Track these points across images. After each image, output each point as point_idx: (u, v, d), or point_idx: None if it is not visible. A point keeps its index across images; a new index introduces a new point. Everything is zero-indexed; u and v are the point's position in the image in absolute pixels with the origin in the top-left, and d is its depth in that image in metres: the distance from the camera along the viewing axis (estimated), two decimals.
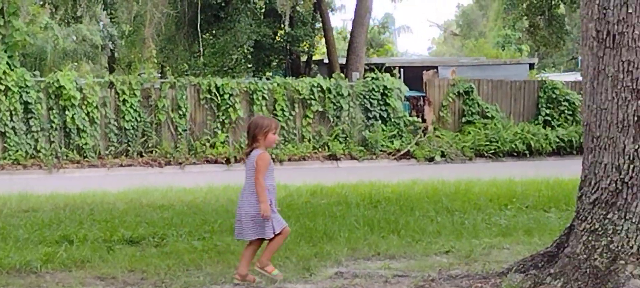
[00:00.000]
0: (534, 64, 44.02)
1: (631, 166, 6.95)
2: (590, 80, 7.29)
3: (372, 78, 31.14)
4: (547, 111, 33.37)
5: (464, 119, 32.58)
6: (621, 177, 6.99)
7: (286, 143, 29.21)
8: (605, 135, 7.12)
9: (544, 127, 32.68)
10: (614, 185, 7.03)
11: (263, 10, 40.88)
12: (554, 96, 33.41)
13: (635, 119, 6.94)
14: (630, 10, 6.97)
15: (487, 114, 32.63)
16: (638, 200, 6.90)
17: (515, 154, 30.92)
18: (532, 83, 34.72)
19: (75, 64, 42.81)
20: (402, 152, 30.00)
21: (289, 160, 28.48)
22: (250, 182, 8.47)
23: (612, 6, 7.07)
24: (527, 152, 31.07)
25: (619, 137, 7.01)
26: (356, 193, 15.96)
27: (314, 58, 42.86)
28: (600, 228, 7.01)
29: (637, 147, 6.92)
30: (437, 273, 8.28)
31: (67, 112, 26.22)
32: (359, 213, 12.92)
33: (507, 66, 40.12)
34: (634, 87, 6.95)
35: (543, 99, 33.66)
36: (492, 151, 30.66)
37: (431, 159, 29.66)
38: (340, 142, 29.87)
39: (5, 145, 25.64)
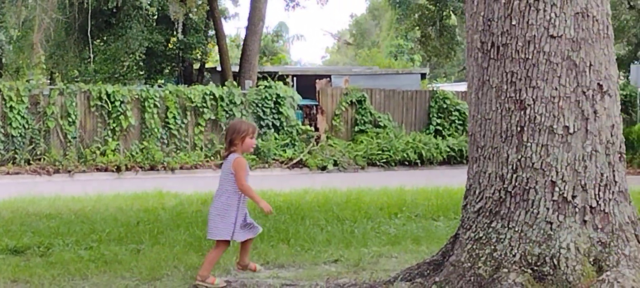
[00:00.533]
0: (425, 73, 44.61)
1: (514, 175, 7.08)
2: (475, 90, 7.42)
3: (265, 86, 31.13)
4: (438, 121, 33.84)
5: (356, 128, 32.80)
6: (505, 186, 7.12)
7: (178, 151, 29.03)
8: (489, 145, 7.25)
9: (435, 137, 33.10)
10: (497, 194, 7.16)
11: (155, 17, 40.58)
12: (444, 106, 33.90)
13: (518, 129, 7.08)
14: (513, 22, 7.12)
15: (380, 123, 32.90)
16: (521, 209, 7.03)
17: (407, 163, 31.21)
18: (424, 93, 35.17)
19: None
20: (294, 161, 30.03)
21: (181, 168, 28.28)
22: (223, 185, 8.81)
23: (497, 18, 7.21)
24: (418, 161, 31.38)
25: (503, 147, 7.15)
26: (247, 203, 15.91)
27: (206, 66, 42.74)
28: (484, 237, 7.13)
29: (520, 156, 7.06)
30: (324, 282, 8.31)
31: None
32: None
33: (399, 76, 40.56)
34: (517, 97, 7.09)
35: (434, 109, 34.12)
36: (384, 160, 30.89)
37: (324, 168, 29.74)
38: None
39: None
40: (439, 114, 33.97)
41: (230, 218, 8.65)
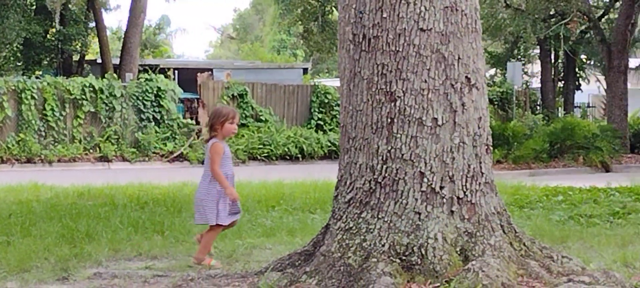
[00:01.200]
0: (307, 68, 44.85)
1: (384, 166, 7.18)
2: (347, 82, 7.50)
3: (146, 79, 30.93)
4: (320, 115, 34.08)
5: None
6: (375, 177, 7.21)
7: (56, 144, 28.65)
8: (360, 136, 7.33)
9: (317, 131, 33.32)
10: (368, 185, 7.25)
11: (33, 7, 39.89)
12: (326, 101, 34.15)
13: (388, 120, 7.18)
14: (384, 15, 7.22)
15: (261, 117, 33.00)
16: (390, 199, 7.13)
17: (288, 158, 31.36)
18: (306, 87, 35.37)
19: None
20: (175, 154, 29.92)
21: (59, 161, 27.97)
22: (206, 170, 9.08)
23: (368, 11, 7.30)
24: (299, 155, 31.55)
25: (373, 138, 7.24)
26: (124, 195, 15.83)
27: (86, 58, 42.22)
28: (354, 227, 7.21)
29: (390, 148, 7.16)
30: (196, 273, 8.30)
31: None
32: (124, 215, 12.82)
33: (281, 70, 40.73)
34: (388, 89, 7.19)
35: (316, 104, 34.34)
36: (265, 154, 30.99)
37: (203, 161, 29.60)
38: (112, 144, 29.52)
39: None
40: (321, 109, 34.22)
41: (213, 202, 8.86)
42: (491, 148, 7.56)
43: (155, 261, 9.33)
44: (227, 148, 9.12)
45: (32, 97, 28.53)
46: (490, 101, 37.61)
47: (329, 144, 32.01)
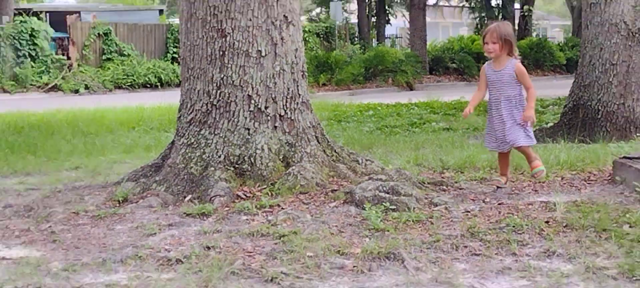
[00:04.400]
0: (163, 10, 44.07)
1: (218, 91, 7.22)
2: (185, 22, 7.47)
3: (21, 21, 29.95)
4: (174, 50, 33.73)
5: (104, 57, 32.20)
6: (211, 100, 7.25)
7: None
8: (197, 67, 7.34)
9: (172, 63, 32.98)
10: (205, 107, 7.29)
11: None
12: (178, 37, 33.74)
13: (221, 53, 7.21)
14: None
15: (124, 52, 32.45)
16: (224, 118, 7.19)
17: (149, 86, 30.98)
18: (162, 26, 34.90)
19: None
20: (50, 86, 29.15)
21: None
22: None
23: None
24: (158, 83, 31.21)
25: (209, 68, 7.27)
26: (3, 122, 15.41)
27: None
28: (195, 142, 7.25)
29: (222, 76, 7.21)
30: (63, 185, 8.20)
31: None
32: (2, 139, 12.51)
33: (140, 12, 39.92)
34: (219, 27, 7.21)
35: (171, 40, 34.00)
36: (129, 83, 30.54)
37: (76, 91, 29.06)
38: None
39: None
40: (175, 44, 33.83)
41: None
42: (306, 74, 7.69)
43: (28, 177, 9.10)
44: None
45: None
46: (317, 35, 37.89)
47: None
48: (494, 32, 6.87)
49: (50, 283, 4.86)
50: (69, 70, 30.31)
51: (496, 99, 7.00)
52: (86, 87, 29.41)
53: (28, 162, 10.19)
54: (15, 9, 33.73)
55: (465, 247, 5.43)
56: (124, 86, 30.34)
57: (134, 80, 30.64)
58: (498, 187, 7.15)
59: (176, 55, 33.36)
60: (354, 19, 44.06)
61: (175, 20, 39.69)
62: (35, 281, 4.87)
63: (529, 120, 6.91)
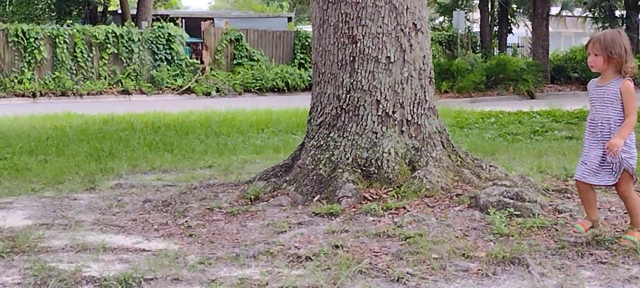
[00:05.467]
0: (291, 17, 44.57)
1: (348, 96, 7.26)
2: (318, 28, 7.54)
3: (159, 26, 30.77)
4: (301, 55, 33.99)
5: (235, 61, 32.71)
6: (340, 104, 7.29)
7: (85, 80, 28.53)
8: (328, 72, 7.39)
9: (299, 68, 33.27)
10: (335, 110, 7.33)
11: None
12: (306, 43, 34.01)
13: (351, 58, 7.24)
14: None
15: (254, 57, 32.88)
16: (353, 122, 7.22)
17: (276, 90, 31.32)
18: (290, 33, 35.20)
19: None
20: (183, 88, 29.85)
21: (88, 94, 27.87)
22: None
23: None
24: (285, 88, 31.53)
25: (339, 73, 7.30)
26: (142, 121, 15.85)
27: (109, 9, 41.75)
28: (324, 145, 7.30)
29: (352, 80, 7.23)
30: (198, 182, 8.38)
31: None
32: (141, 137, 12.86)
33: (270, 19, 40.50)
34: (350, 33, 7.24)
35: (298, 46, 34.24)
36: (258, 87, 30.95)
37: (208, 94, 29.65)
38: (132, 80, 29.44)
39: None
40: (302, 50, 34.11)
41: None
42: (433, 80, 7.64)
43: (165, 174, 9.37)
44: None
45: (65, 42, 28.36)
46: (440, 43, 37.61)
47: (309, 79, 31.87)
48: (596, 42, 5.52)
49: (187, 275, 4.98)
50: (202, 74, 31.00)
51: (592, 120, 5.58)
52: (217, 90, 30.01)
53: (165, 159, 10.45)
54: (153, 15, 34.78)
55: (591, 254, 5.30)
56: (252, 90, 30.80)
57: (263, 84, 31.06)
58: (575, 233, 5.64)
59: (303, 61, 33.67)
60: (475, 28, 43.52)
61: (303, 27, 40.06)
62: (173, 272, 5.00)
63: (610, 149, 5.34)
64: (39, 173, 9.15)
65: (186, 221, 6.46)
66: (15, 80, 27.14)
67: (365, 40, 7.21)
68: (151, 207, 7.13)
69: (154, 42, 30.33)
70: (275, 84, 31.33)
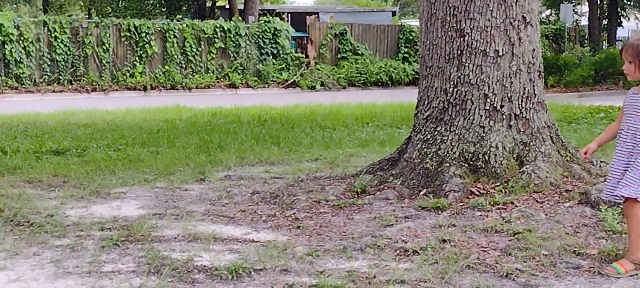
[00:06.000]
0: (395, 11, 44.41)
1: (455, 89, 7.18)
2: (425, 21, 7.48)
3: (265, 21, 31.07)
4: (406, 49, 33.80)
5: (339, 55, 32.77)
6: (447, 98, 7.22)
7: (194, 74, 29.05)
8: (435, 65, 7.33)
9: (403, 62, 33.08)
10: (442, 104, 7.26)
11: None
12: (411, 37, 33.82)
13: (459, 52, 7.16)
14: None
15: (358, 51, 32.87)
16: (460, 116, 7.14)
17: (380, 84, 31.22)
18: (394, 27, 35.05)
19: (14, 5, 41.34)
20: (289, 82, 30.09)
21: (196, 88, 28.36)
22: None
23: None
24: (389, 82, 31.39)
25: (446, 67, 7.24)
26: (248, 114, 16.02)
27: (217, 4, 42.44)
28: (431, 139, 7.25)
29: (459, 74, 7.16)
30: (305, 175, 8.44)
31: (5, 47, 25.57)
32: (248, 130, 12.99)
33: (374, 13, 40.39)
34: (458, 27, 7.16)
35: (402, 40, 34.05)
36: (362, 81, 30.92)
37: (313, 87, 29.80)
38: (239, 74, 29.83)
39: None
40: (406, 44, 33.92)
41: None
42: (542, 74, 7.49)
43: (272, 166, 9.45)
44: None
45: (174, 36, 28.94)
46: (546, 36, 36.84)
47: (413, 72, 31.71)
48: (629, 48, 4.93)
49: (296, 266, 5.02)
50: (307, 68, 31.19)
51: (621, 130, 5.04)
52: (322, 84, 30.15)
53: (272, 152, 10.53)
54: (260, 10, 35.17)
55: None
56: (356, 84, 30.81)
57: (367, 78, 31.03)
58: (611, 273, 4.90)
59: (407, 55, 33.49)
60: (584, 21, 42.50)
61: (408, 22, 39.84)
62: (282, 263, 5.05)
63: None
64: (151, 164, 9.32)
65: (294, 213, 6.51)
66: (128, 74, 27.86)
67: (473, 34, 7.12)
68: (259, 199, 7.21)
69: (261, 36, 30.68)
70: (379, 78, 31.24)
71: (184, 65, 29.06)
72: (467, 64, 7.13)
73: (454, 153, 7.06)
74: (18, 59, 25.79)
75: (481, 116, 7.09)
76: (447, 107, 7.22)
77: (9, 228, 6.05)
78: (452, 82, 7.19)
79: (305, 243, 5.60)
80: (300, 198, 6.93)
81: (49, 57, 26.68)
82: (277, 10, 35.98)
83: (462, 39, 7.15)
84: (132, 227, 6.03)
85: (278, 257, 5.20)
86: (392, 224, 6.00)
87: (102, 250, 5.43)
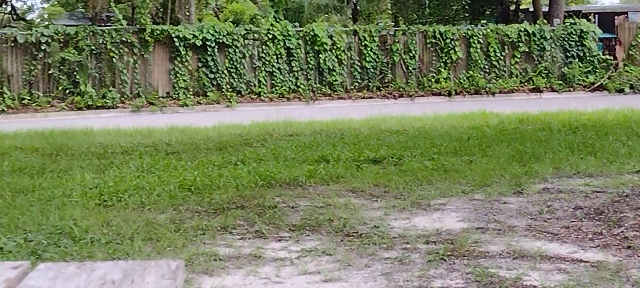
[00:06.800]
0: None
1: None
2: None
3: (571, 23, 30.20)
4: None
5: None
6: None
7: (497, 79, 28.84)
8: None
9: None
10: None
11: None
12: None
13: None
14: None
15: None
16: None
17: None
18: None
19: (326, 15, 43.21)
20: (595, 85, 29.01)
21: (500, 92, 28.20)
22: None
23: None
24: None
25: None
26: (557, 121, 15.52)
27: (521, 7, 41.76)
28: None
29: None
30: (630, 189, 7.97)
31: (320, 55, 26.86)
32: (560, 138, 12.53)
33: None
34: None
35: None
36: None
37: (621, 91, 28.50)
38: (543, 77, 29.18)
39: (273, 82, 26.55)
40: None
41: None
42: None
43: (591, 179, 8.93)
44: None
45: (478, 42, 28.88)
46: None
47: None
48: None
49: None
50: (615, 70, 29.83)
51: None
52: (631, 87, 28.71)
53: (588, 163, 9.98)
54: (565, 11, 34.14)
55: None
56: None
57: None
58: None
59: None
60: None
61: None
62: (617, 287, 4.78)
63: None
64: (466, 174, 9.21)
65: (622, 231, 6.16)
66: (433, 80, 28.20)
67: None
68: (583, 215, 6.90)
69: (566, 39, 29.81)
70: None
71: (487, 70, 28.91)
72: None
73: None
74: (331, 67, 27.01)
75: None
76: None
77: (340, 238, 6.24)
78: None
79: (638, 266, 5.27)
80: (627, 216, 6.56)
81: (359, 64, 27.68)
82: (583, 12, 34.69)
83: None
84: (457, 241, 5.99)
85: (611, 279, 4.93)
86: None
87: (429, 265, 5.45)
